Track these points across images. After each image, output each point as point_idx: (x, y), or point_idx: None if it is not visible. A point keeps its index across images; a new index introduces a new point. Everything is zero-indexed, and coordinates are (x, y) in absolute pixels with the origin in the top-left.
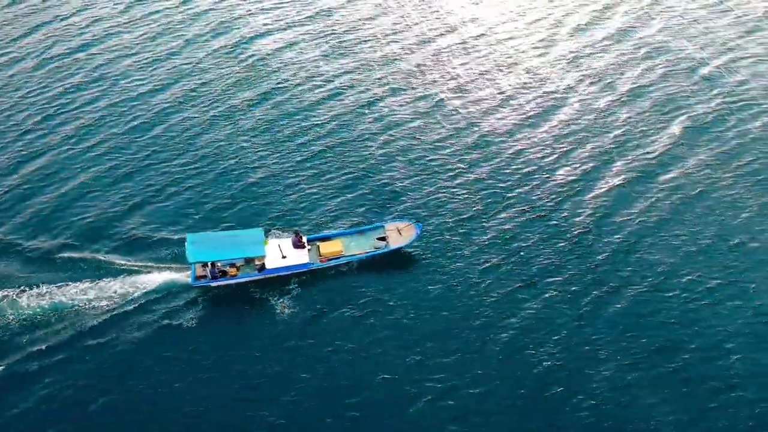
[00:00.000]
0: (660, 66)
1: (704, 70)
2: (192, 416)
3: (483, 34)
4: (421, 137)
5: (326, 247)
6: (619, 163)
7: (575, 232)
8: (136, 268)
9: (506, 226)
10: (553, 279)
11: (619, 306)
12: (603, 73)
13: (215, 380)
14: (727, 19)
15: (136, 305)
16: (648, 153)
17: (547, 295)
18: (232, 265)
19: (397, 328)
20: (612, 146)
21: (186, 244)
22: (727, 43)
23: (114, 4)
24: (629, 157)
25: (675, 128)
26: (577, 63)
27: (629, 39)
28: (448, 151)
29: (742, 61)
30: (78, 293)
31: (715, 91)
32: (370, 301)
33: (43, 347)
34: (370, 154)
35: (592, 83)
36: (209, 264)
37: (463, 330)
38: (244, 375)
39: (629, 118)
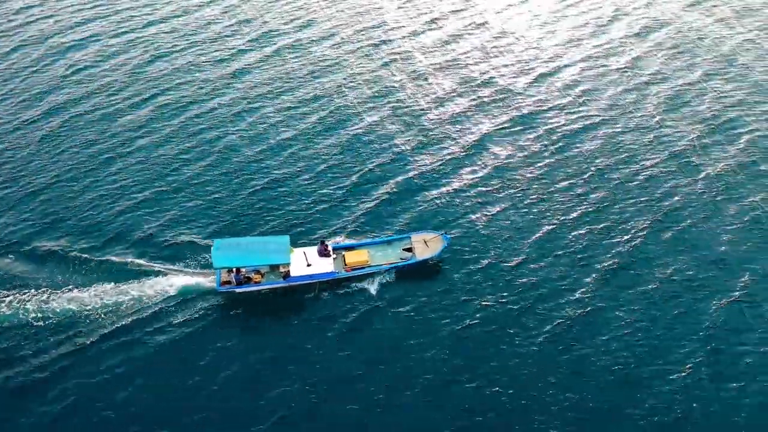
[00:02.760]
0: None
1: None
2: (210, 419)
3: (518, 37)
4: (453, 148)
5: (352, 257)
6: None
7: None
8: (163, 272)
9: (540, 241)
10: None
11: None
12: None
13: (234, 386)
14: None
15: (161, 309)
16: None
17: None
18: (257, 272)
19: (418, 341)
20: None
21: (212, 249)
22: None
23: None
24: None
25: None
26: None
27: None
28: (480, 163)
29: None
30: (103, 295)
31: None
32: (394, 311)
33: (67, 348)
34: (399, 163)
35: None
36: (234, 270)
37: (491, 345)
38: (263, 381)
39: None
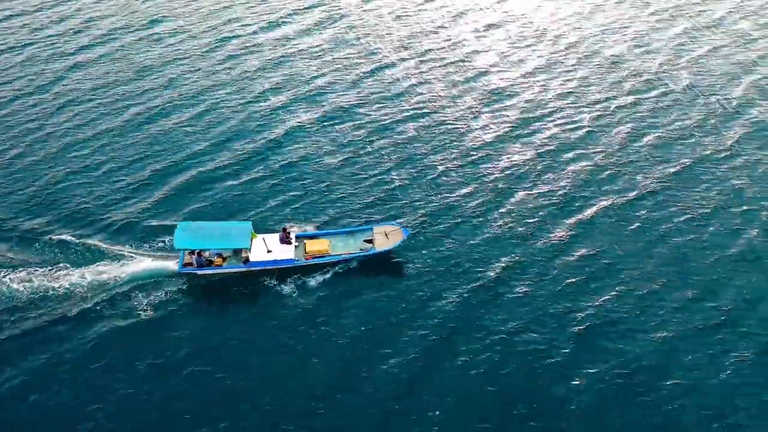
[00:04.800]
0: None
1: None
2: (166, 405)
3: (479, 42)
4: (419, 144)
5: (312, 245)
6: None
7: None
8: (126, 254)
9: (498, 234)
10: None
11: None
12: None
13: (190, 368)
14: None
15: (121, 290)
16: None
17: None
18: (219, 255)
19: (373, 331)
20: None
21: (176, 230)
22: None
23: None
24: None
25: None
26: (562, 74)
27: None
28: (443, 158)
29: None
30: (66, 276)
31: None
32: (349, 300)
33: (25, 329)
34: (366, 156)
35: (572, 97)
36: (196, 252)
37: (440, 336)
38: (219, 364)
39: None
